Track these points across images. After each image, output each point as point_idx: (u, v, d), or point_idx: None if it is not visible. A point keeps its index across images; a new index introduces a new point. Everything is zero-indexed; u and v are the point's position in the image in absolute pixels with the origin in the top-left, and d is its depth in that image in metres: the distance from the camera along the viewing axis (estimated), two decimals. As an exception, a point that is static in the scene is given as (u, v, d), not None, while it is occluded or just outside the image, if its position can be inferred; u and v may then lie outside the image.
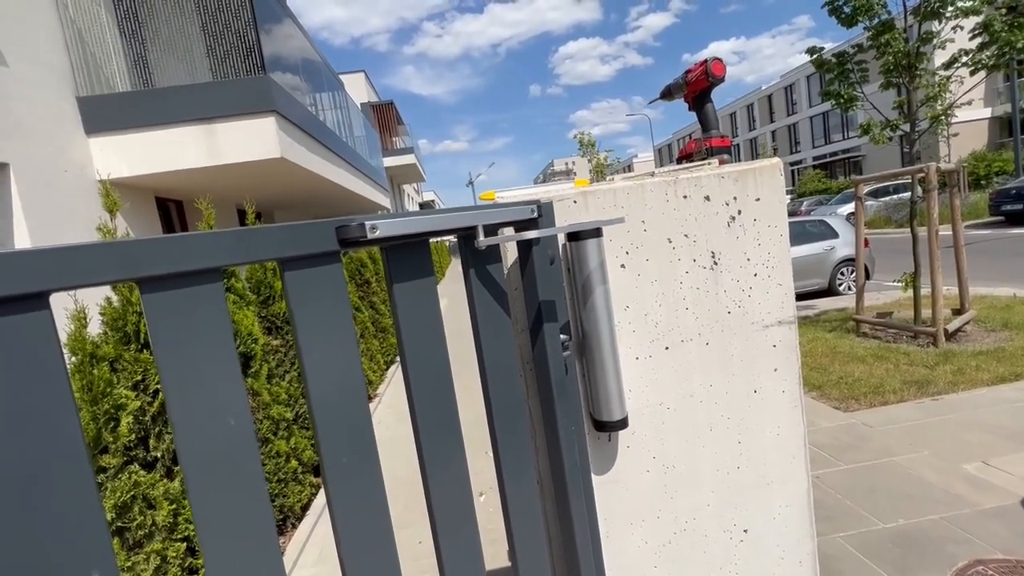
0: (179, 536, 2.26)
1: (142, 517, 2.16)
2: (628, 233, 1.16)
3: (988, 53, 4.87)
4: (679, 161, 1.50)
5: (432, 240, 0.87)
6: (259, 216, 4.16)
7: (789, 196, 27.48)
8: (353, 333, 0.73)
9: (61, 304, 2.10)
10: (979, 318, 5.25)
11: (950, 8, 4.79)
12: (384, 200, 14.04)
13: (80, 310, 2.19)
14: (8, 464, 0.48)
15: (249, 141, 5.26)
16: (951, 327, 4.74)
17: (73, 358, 2.18)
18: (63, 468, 0.50)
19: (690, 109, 1.54)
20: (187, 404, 0.58)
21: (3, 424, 0.48)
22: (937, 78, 5.12)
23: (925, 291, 4.94)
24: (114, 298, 2.43)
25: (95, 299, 2.26)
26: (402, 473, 2.80)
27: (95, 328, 2.31)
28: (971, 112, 22.85)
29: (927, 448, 3.00)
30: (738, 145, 46.72)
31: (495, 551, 2.17)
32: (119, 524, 2.15)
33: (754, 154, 44.05)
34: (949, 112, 5.14)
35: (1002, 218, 13.62)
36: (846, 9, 5.07)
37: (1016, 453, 2.83)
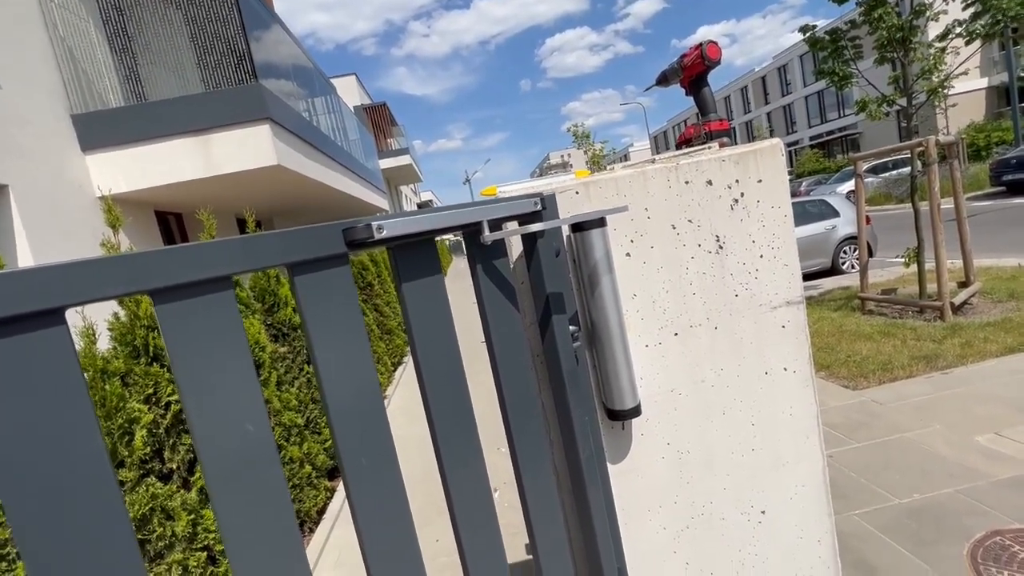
0: (199, 545, 2.28)
1: (161, 528, 2.18)
2: (632, 221, 1.15)
3: (982, 22, 4.83)
4: (679, 146, 1.49)
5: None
6: (259, 224, 4.16)
7: (788, 177, 27.31)
8: (365, 334, 0.73)
9: (69, 321, 2.11)
10: (985, 290, 5.23)
11: None
12: (382, 202, 14.03)
13: (89, 326, 2.20)
14: (33, 479, 0.49)
15: (245, 150, 5.26)
16: (957, 300, 4.72)
17: (84, 375, 2.19)
18: (88, 480, 0.50)
19: (687, 94, 1.54)
20: (206, 413, 0.58)
21: (28, 439, 0.48)
22: (932, 50, 5.08)
23: (929, 265, 4.92)
24: (121, 313, 2.44)
25: (103, 315, 2.28)
26: (416, 473, 2.81)
27: (104, 344, 2.32)
28: (968, 83, 22.64)
29: (939, 422, 3.00)
30: (734, 128, 46.42)
31: (513, 545, 2.18)
32: (139, 536, 2.17)
33: (750, 137, 43.82)
34: (946, 84, 5.10)
35: (1003, 188, 13.53)
36: (837, -14, 5.03)
37: (1028, 423, 2.83)
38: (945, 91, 5.18)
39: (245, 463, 0.61)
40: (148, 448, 2.28)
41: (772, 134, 40.28)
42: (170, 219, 6.97)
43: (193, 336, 0.58)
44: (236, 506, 0.60)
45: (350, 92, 19.54)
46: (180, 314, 0.57)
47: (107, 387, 2.17)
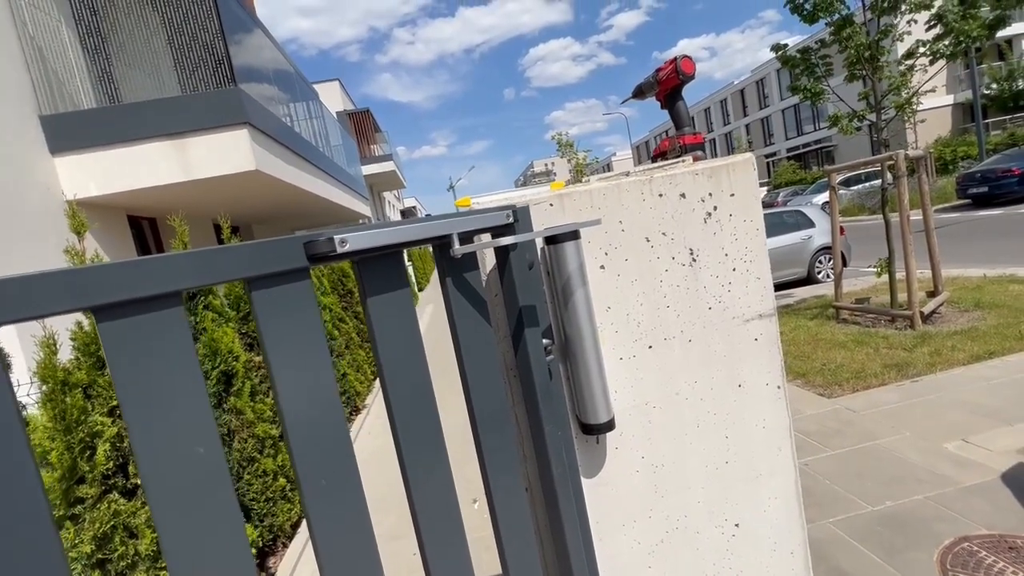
0: (164, 565, 2.19)
1: (124, 547, 2.09)
2: (606, 234, 1.15)
3: (945, 43, 5.02)
4: (653, 159, 1.50)
5: (418, 247, 0.86)
6: (236, 231, 4.08)
7: (765, 188, 27.97)
8: (326, 350, 0.71)
9: (28, 331, 2.02)
10: (952, 299, 5.40)
11: (904, 3, 4.94)
12: (364, 208, 13.90)
13: (49, 336, 2.11)
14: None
15: (222, 154, 5.16)
16: (926, 309, 4.86)
17: (44, 386, 2.10)
18: (19, 516, 0.47)
19: (663, 107, 1.55)
20: (152, 436, 0.55)
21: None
22: (901, 68, 5.26)
23: (900, 275, 5.06)
24: (85, 323, 2.35)
25: (65, 324, 2.19)
26: (394, 484, 2.76)
27: (66, 354, 2.23)
28: (935, 99, 23.55)
29: (909, 430, 3.07)
30: (714, 140, 47.45)
31: (490, 557, 2.15)
32: (100, 556, 2.08)
33: (729, 148, 44.77)
34: (913, 100, 5.28)
35: (969, 201, 14.05)
36: (807, 7, 5.19)
37: (994, 429, 2.91)
38: (913, 107, 5.36)
39: (196, 487, 0.58)
40: (111, 463, 2.19)
41: (751, 146, 41.23)
42: (143, 224, 6.79)
43: (139, 356, 0.55)
44: (185, 531, 0.57)
45: (333, 98, 19.42)
46: (125, 332, 0.54)
47: (68, 399, 2.09)
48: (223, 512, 0.59)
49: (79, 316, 2.41)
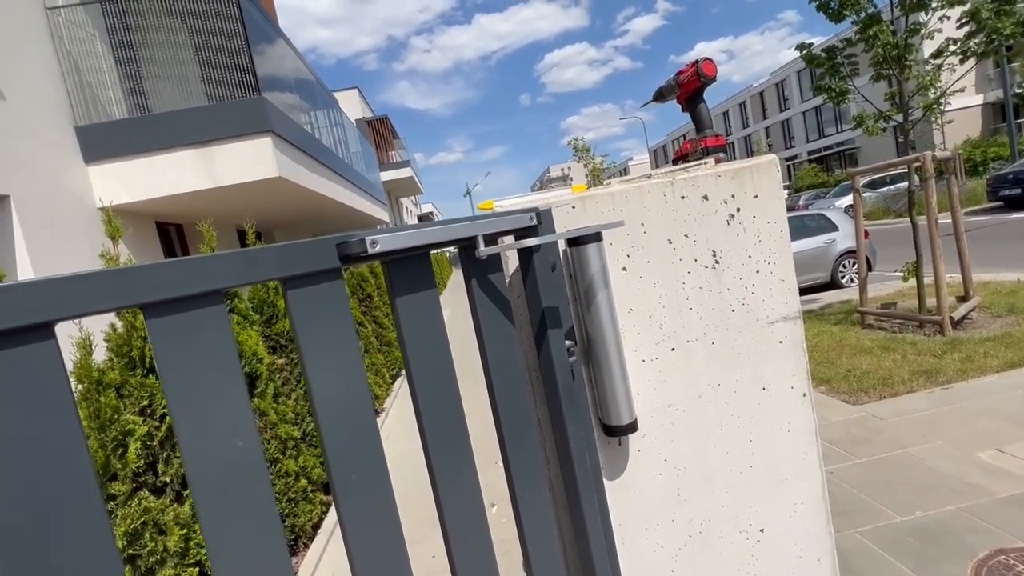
0: (191, 561, 2.25)
1: (153, 543, 2.15)
2: (628, 236, 1.16)
3: (977, 41, 4.89)
4: (675, 162, 1.50)
5: (432, 251, 0.88)
6: (259, 236, 4.18)
7: (787, 191, 27.52)
8: (358, 349, 0.73)
9: (66, 332, 2.11)
10: (984, 304, 5.23)
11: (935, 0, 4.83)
12: (383, 214, 14.09)
13: (85, 337, 2.19)
14: (18, 496, 0.48)
15: (246, 162, 5.30)
16: (956, 314, 4.72)
17: (79, 386, 2.18)
18: (73, 499, 0.50)
19: (683, 110, 1.55)
20: (195, 428, 0.58)
21: (13, 456, 0.48)
22: (928, 67, 5.14)
23: (928, 280, 4.92)
24: (119, 324, 2.43)
25: (100, 326, 2.27)
26: (412, 487, 2.78)
27: (100, 355, 2.31)
28: (964, 99, 22.90)
29: (940, 438, 2.98)
30: (733, 143, 46.86)
31: (509, 563, 2.15)
32: (131, 551, 2.14)
33: (749, 151, 44.16)
34: (942, 101, 5.15)
35: (1001, 203, 13.60)
36: (833, 4, 5.11)
37: (1030, 439, 2.80)
38: (941, 107, 5.23)
39: (234, 479, 0.60)
40: (142, 461, 2.26)
41: (771, 149, 40.62)
42: (171, 230, 7.00)
43: (184, 351, 0.57)
44: (224, 523, 0.59)
45: (352, 105, 19.76)
46: (172, 328, 0.57)
47: (102, 399, 2.16)
48: (261, 505, 0.61)
49: (112, 318, 2.49)
